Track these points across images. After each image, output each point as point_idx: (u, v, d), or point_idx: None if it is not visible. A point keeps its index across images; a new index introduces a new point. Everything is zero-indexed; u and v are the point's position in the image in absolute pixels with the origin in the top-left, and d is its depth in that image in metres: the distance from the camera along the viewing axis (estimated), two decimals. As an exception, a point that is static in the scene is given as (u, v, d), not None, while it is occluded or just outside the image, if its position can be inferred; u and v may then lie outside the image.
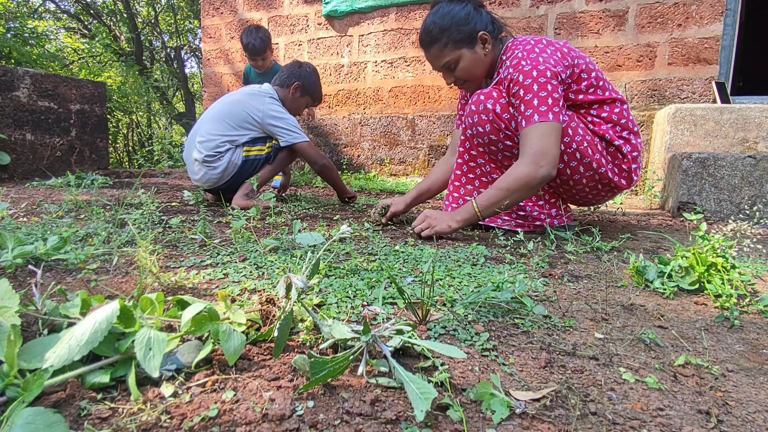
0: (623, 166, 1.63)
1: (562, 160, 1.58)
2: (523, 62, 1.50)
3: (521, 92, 1.48)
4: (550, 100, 1.46)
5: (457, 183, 1.73)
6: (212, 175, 2.21)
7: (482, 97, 1.58)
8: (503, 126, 1.56)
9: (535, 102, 1.45)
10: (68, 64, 10.38)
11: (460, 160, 1.72)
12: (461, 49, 1.59)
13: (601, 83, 1.60)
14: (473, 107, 1.59)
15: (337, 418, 0.54)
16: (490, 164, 1.67)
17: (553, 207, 1.67)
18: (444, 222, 1.54)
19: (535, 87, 1.46)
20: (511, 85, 1.51)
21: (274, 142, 2.27)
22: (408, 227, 1.81)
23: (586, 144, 1.56)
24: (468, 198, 1.71)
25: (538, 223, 1.66)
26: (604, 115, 1.61)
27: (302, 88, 2.40)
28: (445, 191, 1.85)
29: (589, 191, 1.67)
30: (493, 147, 1.61)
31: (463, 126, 1.66)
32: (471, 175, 1.70)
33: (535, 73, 1.47)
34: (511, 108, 1.55)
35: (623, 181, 1.66)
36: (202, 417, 0.53)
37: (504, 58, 1.60)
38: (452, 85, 1.72)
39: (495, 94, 1.56)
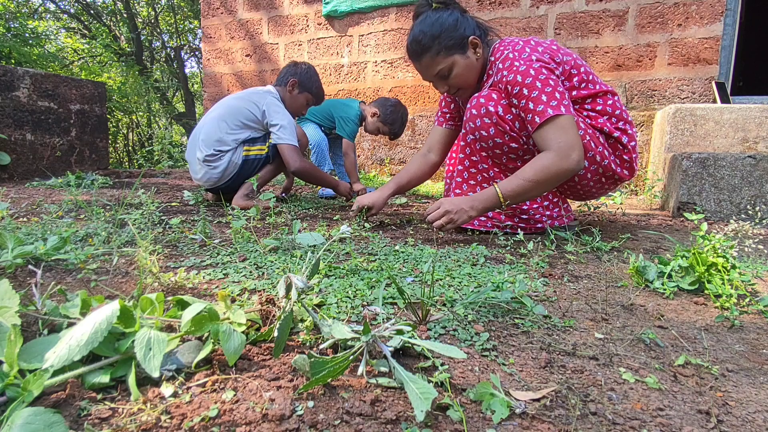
0: (624, 156, 1.64)
1: None
2: (517, 63, 1.49)
3: (525, 91, 1.46)
4: (557, 95, 1.45)
5: (458, 190, 1.71)
6: (213, 174, 2.21)
7: (482, 100, 1.55)
8: (507, 128, 1.54)
9: (544, 98, 1.44)
10: (68, 64, 10.38)
11: (460, 167, 1.70)
12: (453, 55, 1.57)
13: (590, 77, 1.60)
14: (474, 111, 1.56)
15: (337, 418, 0.54)
16: (493, 168, 1.65)
17: (555, 207, 1.68)
18: (464, 213, 1.51)
19: (539, 84, 1.45)
20: (510, 87, 1.49)
21: (271, 141, 2.27)
22: (408, 227, 1.81)
23: (588, 137, 1.56)
24: None
25: (540, 225, 1.66)
26: (598, 108, 1.61)
27: (299, 84, 2.41)
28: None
29: (593, 185, 1.67)
30: (498, 150, 1.59)
31: (464, 131, 1.64)
32: (473, 182, 1.68)
33: (532, 72, 1.46)
34: (513, 109, 1.53)
35: (625, 172, 1.67)
36: (202, 417, 0.53)
37: (493, 59, 1.59)
38: (446, 92, 1.69)
39: (495, 96, 1.54)
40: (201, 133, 2.23)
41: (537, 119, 1.44)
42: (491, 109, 1.53)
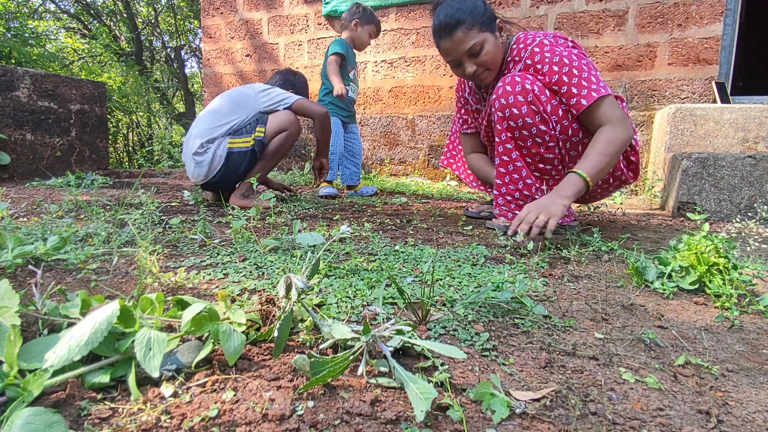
0: (631, 158, 1.66)
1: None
2: (557, 48, 1.53)
3: (575, 71, 1.50)
4: (602, 81, 1.52)
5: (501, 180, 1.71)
6: (200, 170, 2.19)
7: (518, 78, 1.53)
8: (541, 109, 1.53)
9: (593, 79, 1.50)
10: (68, 64, 10.37)
11: (497, 159, 1.68)
12: (485, 32, 1.58)
13: (602, 83, 1.62)
14: (508, 88, 1.54)
15: (337, 418, 0.54)
16: (515, 152, 1.61)
17: None
18: (558, 206, 1.36)
19: (585, 66, 1.51)
20: (557, 67, 1.51)
21: (257, 134, 2.20)
22: (408, 227, 1.81)
23: None
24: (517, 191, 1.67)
25: None
26: None
27: (295, 94, 2.42)
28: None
29: (601, 183, 1.68)
30: (525, 132, 1.56)
31: (492, 109, 1.62)
32: (509, 167, 1.68)
33: (575, 57, 1.51)
34: (547, 91, 1.54)
35: (630, 173, 1.69)
36: (202, 417, 0.53)
37: (521, 46, 1.61)
38: (472, 75, 1.65)
39: (530, 76, 1.54)
40: (194, 128, 2.23)
41: (594, 94, 1.48)
42: (528, 86, 1.52)
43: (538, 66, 1.54)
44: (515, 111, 1.54)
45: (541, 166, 1.62)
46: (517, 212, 1.68)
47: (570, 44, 1.61)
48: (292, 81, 2.44)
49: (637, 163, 1.67)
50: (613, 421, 0.55)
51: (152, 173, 4.32)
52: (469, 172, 2.14)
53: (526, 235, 1.30)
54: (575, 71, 1.50)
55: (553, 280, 1.14)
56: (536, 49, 1.55)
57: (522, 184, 1.65)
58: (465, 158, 2.08)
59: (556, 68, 1.51)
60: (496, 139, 1.64)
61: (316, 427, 0.52)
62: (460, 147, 2.12)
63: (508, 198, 1.69)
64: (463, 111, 1.99)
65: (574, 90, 1.50)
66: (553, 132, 1.56)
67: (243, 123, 2.21)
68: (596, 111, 1.50)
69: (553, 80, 1.52)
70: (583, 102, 1.49)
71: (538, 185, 1.65)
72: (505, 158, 1.64)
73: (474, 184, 2.18)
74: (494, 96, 1.59)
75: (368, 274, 1.09)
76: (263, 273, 1.10)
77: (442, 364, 0.67)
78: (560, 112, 1.54)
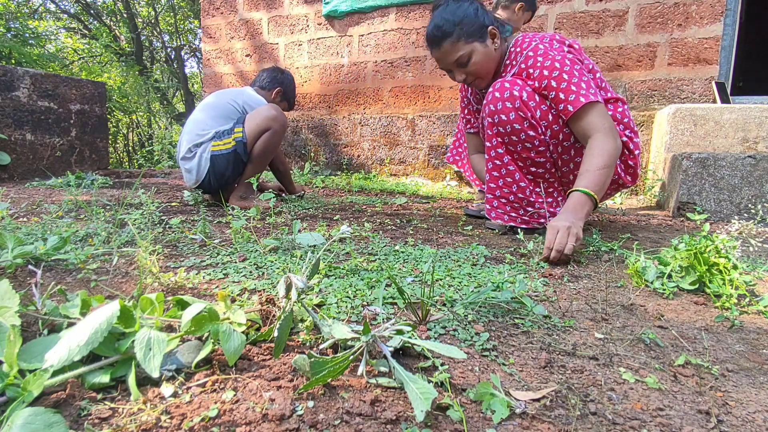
0: (629, 162, 1.65)
1: (580, 154, 1.59)
2: (552, 52, 1.52)
3: (565, 76, 1.49)
4: (592, 85, 1.51)
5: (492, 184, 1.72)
6: (191, 176, 2.20)
7: (507, 85, 1.55)
8: (529, 115, 1.54)
9: (583, 85, 1.49)
10: (68, 64, 10.37)
11: (490, 164, 1.70)
12: (473, 42, 1.59)
13: (603, 84, 1.63)
14: (497, 94, 1.56)
15: (337, 418, 0.54)
16: (507, 155, 1.63)
17: (558, 206, 1.68)
18: (578, 229, 1.32)
19: (576, 72, 1.50)
20: (547, 71, 1.51)
21: (235, 135, 2.15)
22: (408, 227, 1.81)
23: None
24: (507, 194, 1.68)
25: (542, 220, 1.66)
26: (608, 113, 1.62)
27: (283, 93, 2.43)
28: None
29: None
30: (515, 137, 1.58)
31: (482, 115, 1.64)
32: (501, 171, 1.69)
33: (568, 62, 1.51)
34: (537, 96, 1.54)
35: (629, 177, 1.68)
36: (202, 417, 0.53)
37: (518, 50, 1.61)
38: (463, 82, 1.68)
39: (520, 81, 1.55)
40: (184, 134, 2.23)
41: (582, 99, 1.47)
42: (516, 93, 1.53)
43: (530, 70, 1.54)
44: (503, 117, 1.56)
45: (533, 169, 1.63)
46: (513, 214, 1.68)
47: (566, 48, 1.60)
48: (280, 79, 2.43)
49: (635, 167, 1.66)
50: (613, 421, 0.55)
51: (152, 173, 4.32)
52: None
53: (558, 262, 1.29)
54: (565, 76, 1.49)
55: (553, 280, 1.14)
56: (530, 53, 1.55)
57: (516, 187, 1.66)
58: (469, 157, 2.10)
59: (546, 72, 1.51)
60: (487, 144, 1.66)
61: (316, 427, 0.52)
62: (466, 145, 2.15)
63: (503, 201, 1.69)
64: (466, 111, 2.00)
65: (562, 95, 1.50)
66: (543, 137, 1.57)
67: (225, 129, 2.20)
68: (584, 118, 1.49)
69: (543, 85, 1.52)
70: (570, 108, 1.49)
71: (532, 188, 1.66)
72: (498, 162, 1.66)
73: (478, 182, 2.20)
74: (485, 102, 1.61)
75: (368, 274, 1.09)
76: (263, 273, 1.10)
77: (442, 364, 0.67)
78: (550, 117, 1.54)
